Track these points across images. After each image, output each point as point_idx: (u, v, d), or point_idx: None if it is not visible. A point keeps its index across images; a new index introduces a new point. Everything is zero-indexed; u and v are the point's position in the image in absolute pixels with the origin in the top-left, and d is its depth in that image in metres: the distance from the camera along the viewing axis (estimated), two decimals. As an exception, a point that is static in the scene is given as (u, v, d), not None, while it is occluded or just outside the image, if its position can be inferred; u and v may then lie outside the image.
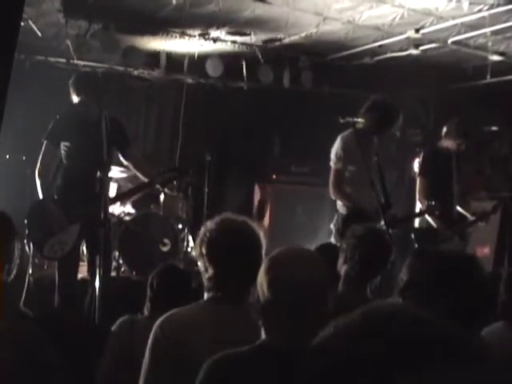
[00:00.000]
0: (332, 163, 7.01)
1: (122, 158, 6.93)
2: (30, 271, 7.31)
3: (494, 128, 9.93)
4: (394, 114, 7.04)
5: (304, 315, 2.67)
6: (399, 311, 1.32)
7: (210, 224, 3.45)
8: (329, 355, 1.26)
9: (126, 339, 4.17)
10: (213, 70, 10.29)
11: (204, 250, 3.33)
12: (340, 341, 1.26)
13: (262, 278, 2.77)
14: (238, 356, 2.68)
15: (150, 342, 3.27)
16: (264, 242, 3.48)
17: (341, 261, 4.49)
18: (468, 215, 7.63)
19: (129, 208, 9.30)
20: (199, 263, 3.37)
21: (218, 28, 9.08)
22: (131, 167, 7.02)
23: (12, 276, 4.04)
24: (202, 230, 3.44)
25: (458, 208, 7.59)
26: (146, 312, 4.41)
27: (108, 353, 4.24)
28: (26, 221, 6.31)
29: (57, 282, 6.42)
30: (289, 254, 2.84)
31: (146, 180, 6.90)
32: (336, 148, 6.99)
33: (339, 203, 7.07)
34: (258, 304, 2.78)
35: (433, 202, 7.05)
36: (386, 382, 1.16)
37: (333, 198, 7.11)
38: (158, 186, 7.00)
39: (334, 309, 3.59)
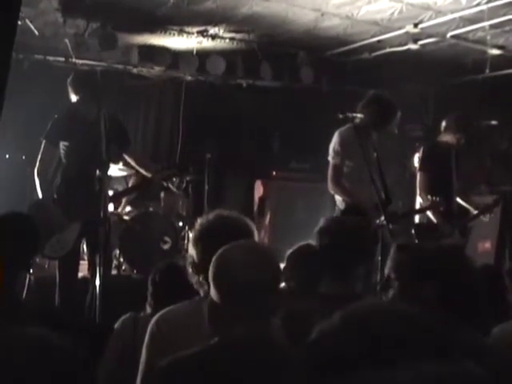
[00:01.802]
0: (330, 158, 7.01)
1: (124, 155, 6.95)
2: (31, 270, 7.32)
3: (494, 122, 9.92)
4: (391, 109, 7.03)
5: (250, 313, 2.67)
6: (376, 310, 1.34)
7: (201, 221, 3.46)
8: (316, 356, 1.28)
9: (128, 337, 4.17)
10: (214, 67, 10.30)
11: (198, 248, 3.33)
12: (324, 341, 1.28)
13: (210, 276, 2.78)
14: (191, 357, 2.68)
15: (146, 339, 3.27)
16: (256, 236, 3.48)
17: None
18: (471, 209, 7.61)
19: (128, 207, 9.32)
20: (195, 260, 3.36)
21: (216, 25, 9.08)
22: (133, 164, 7.02)
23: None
24: (195, 227, 3.45)
25: (461, 202, 7.58)
26: (148, 309, 4.41)
27: (110, 351, 4.24)
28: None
29: (57, 280, 6.43)
30: (236, 251, 2.82)
31: (148, 175, 6.91)
32: (334, 143, 7.00)
33: (338, 198, 7.07)
34: (207, 302, 2.78)
35: (437, 198, 7.03)
36: (366, 378, 1.18)
37: (331, 192, 7.12)
38: (162, 181, 7.03)
39: (321, 307, 3.58)
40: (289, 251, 4.67)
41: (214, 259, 2.79)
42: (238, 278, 2.67)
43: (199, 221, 3.49)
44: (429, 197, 7.11)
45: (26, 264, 4.48)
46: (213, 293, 2.73)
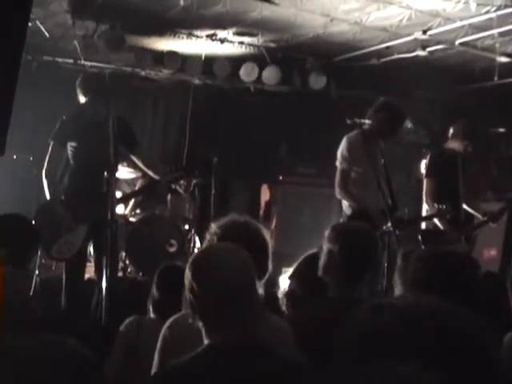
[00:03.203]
0: (338, 163, 7.04)
1: (131, 157, 6.96)
2: (37, 272, 7.33)
3: (501, 129, 9.91)
4: (400, 118, 7.05)
5: (235, 311, 2.67)
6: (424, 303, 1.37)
7: (215, 227, 3.46)
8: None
9: (132, 340, 4.17)
10: (221, 70, 10.33)
11: None
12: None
13: (187, 279, 2.77)
14: (184, 365, 2.66)
15: (159, 343, 3.27)
16: (270, 242, 3.49)
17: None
18: (479, 216, 7.61)
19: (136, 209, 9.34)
20: None
21: (225, 29, 9.08)
22: (141, 165, 7.02)
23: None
24: (210, 231, 3.45)
25: (469, 209, 7.57)
26: (150, 313, 4.39)
27: (114, 353, 4.25)
28: (33, 222, 6.33)
29: (64, 282, 6.44)
30: (212, 252, 2.85)
31: (156, 177, 6.91)
32: (342, 148, 7.02)
33: (345, 203, 7.08)
34: (190, 306, 2.76)
35: (443, 206, 7.02)
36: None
37: (338, 197, 7.14)
38: (169, 184, 7.07)
39: (325, 311, 3.59)
40: (298, 260, 4.67)
41: (194, 262, 2.79)
42: (227, 280, 2.67)
43: (215, 225, 3.50)
44: (435, 205, 7.11)
45: (25, 265, 4.49)
46: (201, 295, 2.72)
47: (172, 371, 2.68)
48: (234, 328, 2.67)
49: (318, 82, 10.77)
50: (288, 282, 4.57)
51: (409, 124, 7.11)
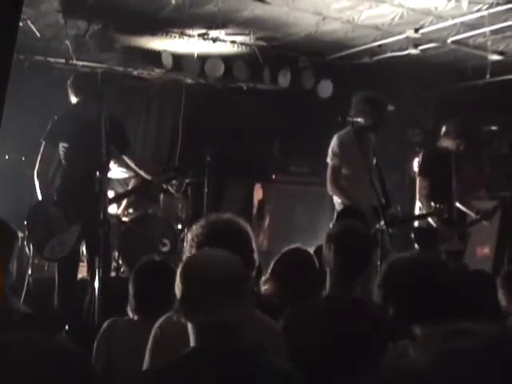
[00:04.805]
0: (329, 159, 7.08)
1: (124, 157, 6.95)
2: (30, 272, 7.31)
3: (494, 127, 9.92)
4: (381, 103, 7.09)
5: (222, 314, 2.65)
6: None
7: (196, 228, 3.45)
8: None
9: (104, 341, 4.09)
10: (212, 70, 10.29)
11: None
12: None
13: (177, 281, 2.76)
14: (169, 368, 2.65)
15: (150, 343, 3.26)
16: (253, 237, 3.47)
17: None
18: (472, 214, 7.61)
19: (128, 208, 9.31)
20: None
21: (217, 28, 9.07)
22: (133, 166, 7.01)
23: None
24: (197, 232, 3.45)
25: (462, 207, 7.58)
26: (129, 313, 4.23)
27: (95, 355, 4.19)
28: (25, 222, 6.32)
29: (56, 282, 6.42)
30: (203, 255, 2.87)
31: (148, 178, 6.91)
32: (332, 145, 7.09)
33: (337, 201, 7.11)
34: (178, 306, 2.74)
35: (440, 206, 7.01)
36: None
37: (330, 193, 7.18)
38: (162, 184, 7.06)
39: (325, 309, 3.60)
40: (279, 256, 4.66)
41: (184, 265, 2.78)
42: (216, 278, 2.66)
43: (199, 225, 3.49)
44: (432, 204, 7.09)
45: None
46: (189, 293, 2.71)
47: (160, 373, 2.68)
48: (221, 329, 2.65)
49: (310, 80, 10.75)
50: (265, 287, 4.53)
51: (391, 107, 7.12)
